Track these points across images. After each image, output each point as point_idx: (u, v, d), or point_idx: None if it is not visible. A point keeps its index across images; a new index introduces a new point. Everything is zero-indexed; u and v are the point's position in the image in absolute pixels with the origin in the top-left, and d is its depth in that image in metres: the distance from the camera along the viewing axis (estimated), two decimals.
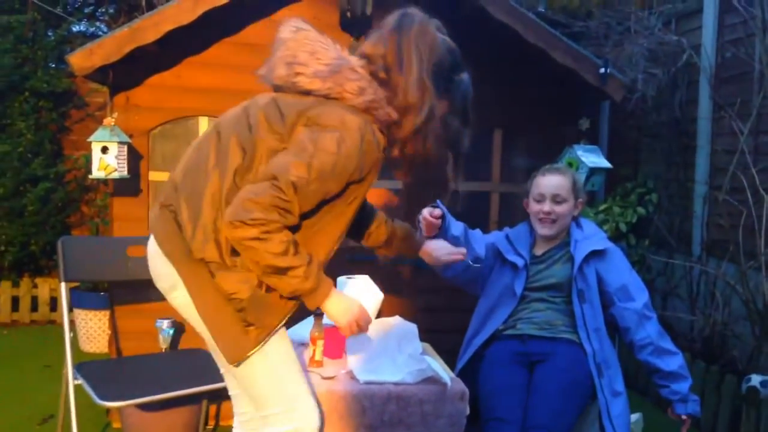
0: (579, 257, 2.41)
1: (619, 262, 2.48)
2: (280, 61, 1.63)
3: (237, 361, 1.63)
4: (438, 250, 2.16)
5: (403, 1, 3.29)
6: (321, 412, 1.75)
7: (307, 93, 1.60)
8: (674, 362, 2.38)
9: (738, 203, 3.39)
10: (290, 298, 1.63)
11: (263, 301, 1.60)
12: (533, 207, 2.49)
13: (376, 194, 3.46)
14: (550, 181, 2.46)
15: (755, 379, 3.02)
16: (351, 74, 1.59)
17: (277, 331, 1.66)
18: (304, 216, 1.59)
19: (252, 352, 1.63)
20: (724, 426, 3.20)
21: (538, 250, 2.52)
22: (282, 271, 1.52)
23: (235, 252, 1.56)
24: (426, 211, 2.20)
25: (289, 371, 1.71)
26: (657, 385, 2.42)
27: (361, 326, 1.71)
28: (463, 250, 2.19)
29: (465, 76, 1.74)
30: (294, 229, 1.57)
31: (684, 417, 2.38)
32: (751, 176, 3.29)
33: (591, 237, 2.49)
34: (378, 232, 2.07)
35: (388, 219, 2.10)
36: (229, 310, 1.60)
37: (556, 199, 2.44)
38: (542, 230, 2.47)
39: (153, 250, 1.68)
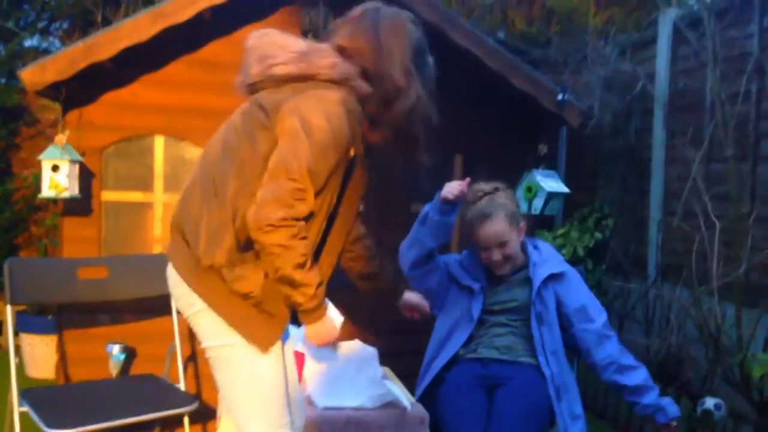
0: (537, 280, 2.42)
1: (577, 284, 2.50)
2: (253, 60, 1.71)
3: (270, 346, 1.68)
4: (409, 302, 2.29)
5: None
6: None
7: (284, 80, 1.66)
8: (638, 376, 2.38)
9: (691, 229, 3.47)
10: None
11: (273, 290, 1.64)
12: (481, 254, 2.45)
13: None
14: (488, 231, 2.38)
15: (709, 402, 3.06)
16: (322, 53, 1.68)
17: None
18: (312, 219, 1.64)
19: (278, 337, 1.69)
20: None
21: (495, 273, 2.51)
22: (296, 284, 1.58)
23: (243, 248, 1.61)
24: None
25: (276, 390, 1.72)
26: (629, 402, 2.44)
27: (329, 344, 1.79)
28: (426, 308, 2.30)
29: (430, 59, 1.85)
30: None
31: (670, 423, 2.37)
32: (703, 203, 3.37)
33: (549, 260, 2.51)
34: (359, 254, 2.06)
35: (378, 255, 2.11)
36: (248, 305, 1.65)
37: (502, 244, 2.39)
38: (497, 271, 2.46)
39: (170, 272, 1.73)
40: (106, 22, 4.94)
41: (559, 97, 3.45)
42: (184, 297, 1.69)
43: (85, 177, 3.12)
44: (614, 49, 4.33)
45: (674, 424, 2.39)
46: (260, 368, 1.68)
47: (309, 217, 1.60)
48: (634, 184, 4.31)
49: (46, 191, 2.94)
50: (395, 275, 2.19)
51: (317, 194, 1.61)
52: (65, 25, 5.77)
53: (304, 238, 1.57)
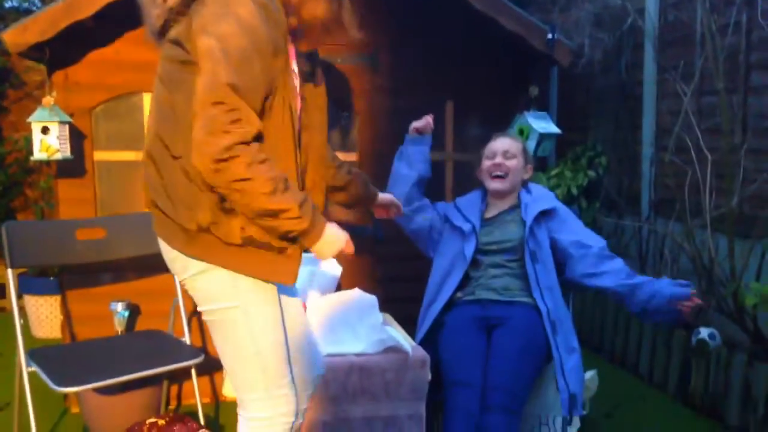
0: (529, 218, 2.47)
1: (569, 219, 2.55)
2: (149, 7, 1.59)
3: (293, 278, 1.65)
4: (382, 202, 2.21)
5: None
6: (297, 397, 1.73)
7: (184, 5, 1.53)
8: (645, 278, 2.40)
9: (683, 163, 3.48)
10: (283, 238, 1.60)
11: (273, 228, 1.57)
12: (485, 164, 2.62)
13: None
14: (500, 142, 2.63)
15: (704, 332, 3.13)
16: None
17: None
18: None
19: (298, 267, 1.64)
20: (675, 378, 3.33)
21: (489, 214, 2.59)
22: (274, 213, 1.48)
23: (222, 199, 1.53)
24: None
25: (275, 351, 1.68)
26: (647, 303, 2.32)
27: (345, 250, 1.68)
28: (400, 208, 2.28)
29: None
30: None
31: (691, 297, 2.31)
32: (695, 137, 3.37)
33: (539, 199, 2.56)
34: (336, 175, 2.02)
35: (347, 165, 2.06)
36: (254, 250, 1.58)
37: (507, 155, 2.59)
38: (494, 185, 2.55)
39: (163, 249, 1.69)
40: None
41: (549, 36, 3.41)
42: (177, 260, 1.64)
43: (76, 138, 3.11)
44: None
45: (692, 291, 2.33)
46: (260, 329, 1.65)
47: (260, 139, 1.48)
48: (625, 120, 4.31)
49: (38, 153, 2.94)
50: (365, 184, 2.11)
51: (261, 112, 1.50)
52: None
53: (263, 161, 1.44)
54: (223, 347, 1.70)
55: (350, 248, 1.66)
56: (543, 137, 3.27)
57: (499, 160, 2.59)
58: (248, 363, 1.67)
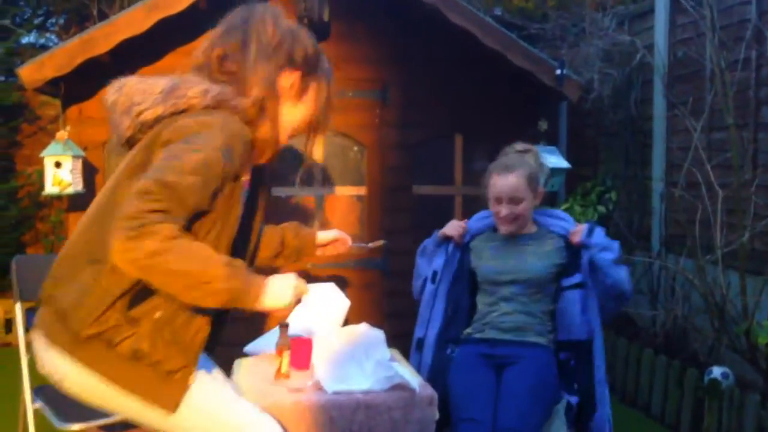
0: (584, 259, 2.36)
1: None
2: (120, 115, 1.57)
3: (174, 407, 1.53)
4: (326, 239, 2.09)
5: (360, 4, 3.29)
6: (279, 426, 1.67)
7: (156, 121, 1.53)
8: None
9: (694, 198, 3.47)
10: (217, 315, 1.53)
11: (171, 345, 1.51)
12: (492, 206, 2.47)
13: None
14: (505, 182, 2.40)
15: (716, 371, 3.08)
16: (189, 83, 1.55)
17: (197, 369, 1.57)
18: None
19: (183, 396, 1.54)
20: (687, 418, 3.26)
21: (504, 231, 2.49)
22: (201, 280, 1.37)
23: (131, 303, 1.46)
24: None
25: (224, 403, 1.62)
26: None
27: (300, 292, 1.58)
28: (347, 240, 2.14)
29: (324, 59, 1.72)
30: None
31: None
32: (705, 172, 3.36)
33: (568, 226, 2.49)
34: (268, 246, 1.96)
35: (272, 229, 1.99)
36: (143, 367, 1.49)
37: (514, 201, 2.40)
38: (503, 229, 2.47)
39: (40, 347, 1.55)
40: (102, 16, 4.93)
41: (558, 71, 3.44)
42: (55, 369, 1.52)
43: (89, 172, 3.14)
44: (612, 21, 4.29)
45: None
46: (201, 403, 1.56)
47: (188, 225, 1.42)
48: (635, 155, 4.30)
49: (50, 188, 2.97)
50: (296, 231, 2.01)
51: (195, 218, 1.44)
52: (61, 21, 5.76)
53: (181, 237, 1.35)
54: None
55: (305, 290, 1.57)
56: (553, 172, 3.27)
57: (505, 211, 2.40)
58: (212, 426, 1.59)
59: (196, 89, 1.52)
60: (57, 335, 1.50)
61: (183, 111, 1.52)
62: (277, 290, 1.49)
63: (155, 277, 1.37)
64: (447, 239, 2.55)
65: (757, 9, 3.34)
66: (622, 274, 2.36)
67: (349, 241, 2.13)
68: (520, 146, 2.56)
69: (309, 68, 1.66)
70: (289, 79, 1.64)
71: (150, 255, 1.32)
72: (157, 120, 1.52)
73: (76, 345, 1.48)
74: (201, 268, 1.37)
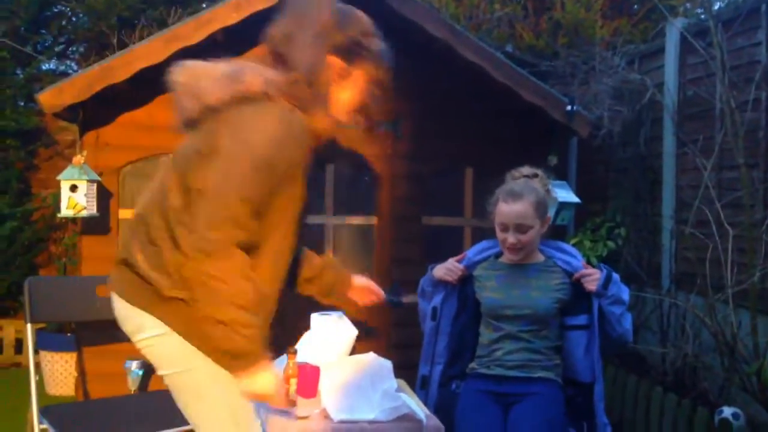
0: (595, 305, 2.36)
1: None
2: (184, 97, 1.65)
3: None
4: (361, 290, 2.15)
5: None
6: None
7: (218, 106, 1.59)
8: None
9: (704, 236, 3.46)
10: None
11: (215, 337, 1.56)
12: (498, 234, 2.41)
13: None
14: (512, 210, 2.34)
15: (727, 411, 3.04)
16: (248, 71, 1.60)
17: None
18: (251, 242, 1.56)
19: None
20: None
21: (507, 260, 2.48)
22: (225, 323, 1.48)
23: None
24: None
25: (245, 405, 1.67)
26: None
27: (273, 402, 1.69)
28: (379, 291, 2.19)
29: (377, 42, 1.72)
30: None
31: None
32: (715, 210, 3.37)
33: (577, 262, 2.46)
34: (306, 267, 2.01)
35: (315, 255, 2.04)
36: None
37: (521, 229, 2.35)
38: (509, 257, 2.43)
39: (116, 300, 1.68)
40: (122, 45, 5.03)
41: (568, 108, 3.48)
42: (132, 318, 1.63)
43: (103, 196, 3.18)
44: (622, 60, 4.34)
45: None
46: (227, 386, 1.61)
47: (249, 251, 1.53)
48: (645, 193, 4.31)
49: (65, 211, 3.01)
50: (335, 269, 2.07)
51: (257, 219, 1.54)
52: (81, 49, 5.88)
53: (246, 277, 1.49)
54: (191, 409, 1.68)
55: (280, 405, 1.67)
56: (562, 206, 3.29)
57: (512, 239, 2.35)
58: (221, 420, 1.65)
59: (255, 78, 1.58)
60: (139, 297, 1.61)
61: (243, 98, 1.56)
62: (258, 383, 1.56)
63: (198, 288, 1.49)
64: (442, 282, 2.52)
65: (767, 51, 3.38)
66: (627, 326, 2.37)
67: (382, 294, 2.19)
68: (527, 170, 2.53)
69: (357, 52, 1.68)
70: (338, 63, 1.66)
71: (206, 274, 1.47)
72: (220, 105, 1.58)
73: (159, 303, 1.59)
74: (233, 315, 1.47)
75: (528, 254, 2.43)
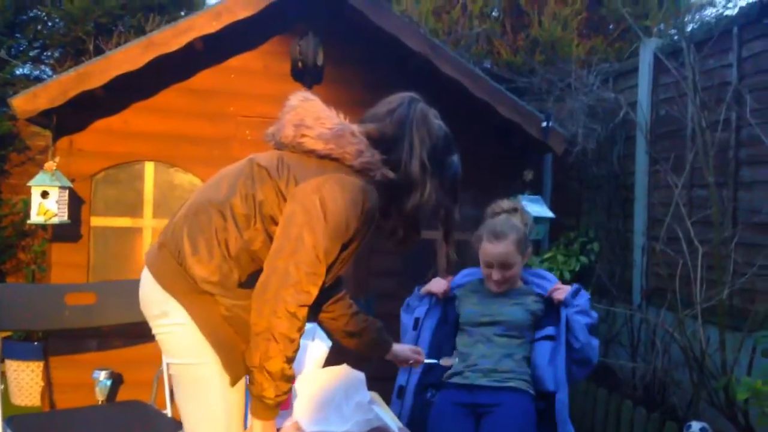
0: (563, 316, 2.44)
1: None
2: (289, 123, 1.73)
3: (237, 380, 1.69)
4: (404, 353, 2.30)
5: (353, 51, 3.37)
6: None
7: (310, 152, 1.69)
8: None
9: (674, 253, 3.52)
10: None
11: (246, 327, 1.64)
12: (483, 269, 2.56)
13: None
14: (496, 250, 2.49)
15: (695, 426, 3.08)
16: (351, 138, 1.70)
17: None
18: None
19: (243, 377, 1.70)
20: None
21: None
22: (275, 377, 1.58)
23: (242, 284, 1.64)
24: None
25: (240, 412, 1.74)
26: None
27: None
28: (419, 349, 2.32)
29: (455, 158, 1.90)
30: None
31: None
32: (686, 228, 3.42)
33: (549, 284, 2.57)
34: (341, 314, 2.11)
35: (362, 312, 2.15)
36: (231, 332, 1.67)
37: (505, 266, 2.49)
38: (494, 289, 2.56)
39: (148, 280, 1.72)
40: (98, 51, 4.98)
41: (544, 124, 3.52)
42: (159, 304, 1.68)
43: (75, 203, 3.14)
44: (597, 78, 4.41)
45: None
46: (226, 390, 1.69)
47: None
48: (618, 209, 4.37)
49: (35, 217, 2.96)
50: (379, 331, 2.20)
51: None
52: (57, 54, 5.81)
53: (301, 330, 1.59)
54: (189, 403, 1.72)
55: None
56: (537, 220, 3.32)
57: (497, 276, 2.49)
58: (215, 420, 1.69)
59: (353, 148, 1.69)
60: (172, 282, 1.66)
61: (333, 159, 1.67)
62: (265, 427, 1.64)
63: (263, 340, 1.55)
64: (430, 294, 2.65)
65: (738, 73, 3.46)
66: (592, 341, 2.42)
67: (423, 359, 2.33)
68: (506, 204, 2.66)
69: (441, 164, 1.82)
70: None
71: (281, 333, 1.55)
72: (311, 152, 1.69)
73: (188, 293, 1.64)
74: (285, 371, 1.57)
75: (511, 286, 2.57)
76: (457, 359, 2.46)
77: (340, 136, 1.69)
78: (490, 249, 2.49)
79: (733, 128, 3.47)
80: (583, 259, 4.31)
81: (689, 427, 3.09)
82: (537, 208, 3.39)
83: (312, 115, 1.73)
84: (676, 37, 4.00)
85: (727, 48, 3.54)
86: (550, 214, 3.38)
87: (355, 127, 1.75)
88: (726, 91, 3.48)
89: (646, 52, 4.16)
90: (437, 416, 2.37)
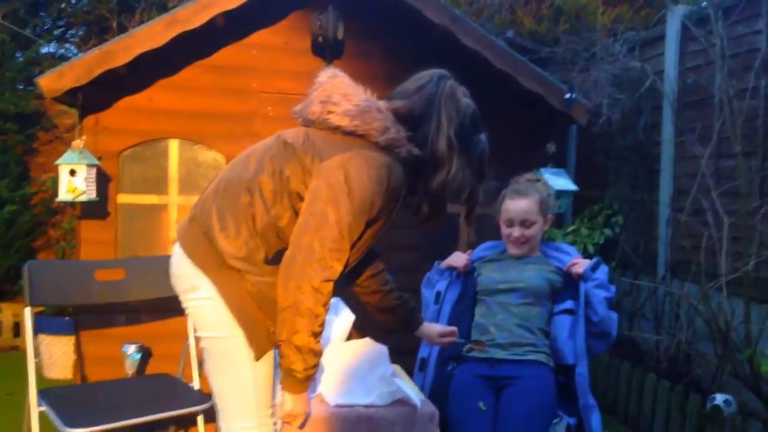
0: (592, 295, 2.41)
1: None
2: (316, 100, 1.75)
3: (261, 355, 1.73)
4: (434, 333, 2.32)
5: (374, 25, 3.34)
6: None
7: (336, 129, 1.71)
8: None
9: (700, 225, 3.48)
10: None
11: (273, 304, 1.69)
12: (503, 230, 2.58)
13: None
14: (517, 206, 2.53)
15: (719, 398, 3.07)
16: (377, 114, 1.71)
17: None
18: None
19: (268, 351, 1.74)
20: None
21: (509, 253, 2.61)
22: (303, 351, 1.62)
23: (269, 261, 1.67)
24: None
25: (268, 382, 1.79)
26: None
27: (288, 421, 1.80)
28: (455, 329, 2.32)
29: (483, 137, 1.89)
30: None
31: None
32: (711, 199, 3.38)
33: (569, 257, 2.57)
34: (376, 289, 2.12)
35: (397, 290, 2.16)
36: (256, 307, 1.70)
37: (525, 224, 2.52)
38: (513, 251, 2.57)
39: (179, 254, 1.76)
40: (122, 29, 5.01)
41: (567, 95, 3.48)
42: (189, 278, 1.72)
43: (102, 180, 3.19)
44: (623, 47, 4.33)
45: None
46: (255, 363, 1.74)
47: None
48: (643, 181, 4.32)
49: (64, 195, 3.01)
50: (411, 311, 2.22)
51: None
52: (81, 32, 5.85)
53: (326, 305, 1.63)
54: (219, 375, 1.77)
55: (296, 422, 1.78)
56: (560, 194, 3.30)
57: (517, 233, 2.52)
58: (244, 392, 1.75)
59: (379, 124, 1.70)
60: (201, 257, 1.71)
61: (359, 135, 1.69)
62: (293, 400, 1.73)
63: (290, 314, 1.60)
64: (451, 269, 2.65)
65: (766, 39, 3.37)
66: (611, 314, 2.41)
67: (455, 339, 2.34)
68: (530, 176, 2.69)
69: (468, 141, 1.83)
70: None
71: (307, 307, 1.59)
72: (337, 128, 1.71)
73: (217, 269, 1.69)
74: (313, 345, 1.62)
75: (530, 249, 2.57)
76: (489, 350, 2.47)
77: (366, 112, 1.70)
78: (511, 205, 2.53)
79: (761, 96, 3.40)
80: (608, 231, 4.28)
81: (713, 399, 3.09)
82: (560, 181, 3.36)
83: (339, 92, 1.74)
84: (704, 4, 3.91)
85: (756, 14, 3.46)
86: (573, 186, 3.35)
87: (381, 104, 1.76)
88: (755, 58, 3.41)
89: (673, 20, 4.07)
90: (458, 388, 2.40)
